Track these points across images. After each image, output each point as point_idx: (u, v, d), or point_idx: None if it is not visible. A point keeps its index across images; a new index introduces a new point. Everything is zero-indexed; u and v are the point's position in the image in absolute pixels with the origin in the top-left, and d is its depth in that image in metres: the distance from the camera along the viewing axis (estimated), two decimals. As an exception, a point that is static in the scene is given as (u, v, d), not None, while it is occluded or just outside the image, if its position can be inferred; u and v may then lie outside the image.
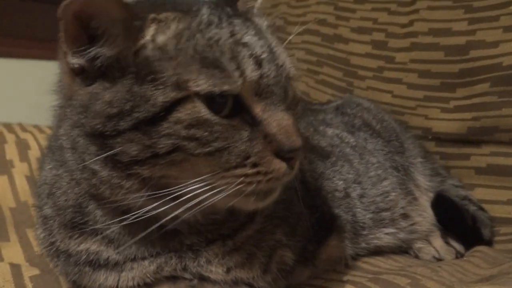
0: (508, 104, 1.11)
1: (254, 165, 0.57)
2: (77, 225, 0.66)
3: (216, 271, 0.67)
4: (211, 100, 0.55)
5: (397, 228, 0.96)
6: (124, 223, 0.61)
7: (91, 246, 0.67)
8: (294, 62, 0.65)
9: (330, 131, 1.03)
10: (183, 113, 0.55)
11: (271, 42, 0.60)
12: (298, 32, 1.85)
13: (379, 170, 0.99)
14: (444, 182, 1.10)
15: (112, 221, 0.63)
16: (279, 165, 0.57)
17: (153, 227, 0.60)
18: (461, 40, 1.25)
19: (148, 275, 0.65)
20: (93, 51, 0.57)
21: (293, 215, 0.77)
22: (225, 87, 0.55)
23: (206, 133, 0.55)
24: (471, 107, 1.19)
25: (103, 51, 0.57)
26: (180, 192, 0.57)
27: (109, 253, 0.66)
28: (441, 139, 1.24)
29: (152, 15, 0.58)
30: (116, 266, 0.66)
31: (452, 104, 1.24)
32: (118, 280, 0.66)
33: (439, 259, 0.95)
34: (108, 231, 0.64)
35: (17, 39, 2.13)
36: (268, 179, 0.57)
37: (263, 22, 0.66)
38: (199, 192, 0.57)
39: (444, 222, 1.00)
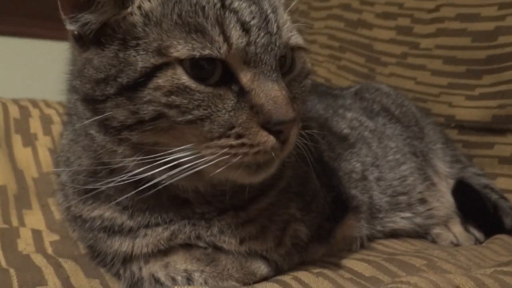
0: (536, 91, 1.08)
1: (239, 136, 0.55)
2: (91, 191, 0.67)
3: (229, 242, 0.67)
4: (196, 67, 0.54)
5: (413, 212, 0.94)
6: (112, 184, 0.61)
7: (105, 212, 0.68)
8: (296, 31, 0.62)
9: (349, 114, 1.02)
10: (162, 79, 0.54)
11: (266, 8, 0.58)
12: (321, 18, 1.83)
13: (397, 155, 0.98)
14: (465, 169, 1.08)
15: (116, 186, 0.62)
16: (266, 138, 0.55)
17: (150, 190, 0.59)
18: (490, 25, 1.22)
19: (162, 242, 0.66)
20: (83, 17, 0.58)
21: (309, 191, 0.77)
22: (206, 51, 0.54)
23: (185, 101, 0.54)
24: (497, 94, 1.16)
25: (92, 17, 0.58)
26: (168, 159, 0.57)
27: (123, 219, 0.67)
28: (465, 127, 1.21)
29: None
30: (130, 232, 0.67)
31: (478, 91, 1.21)
32: (133, 246, 0.67)
33: (457, 245, 0.93)
34: (121, 198, 0.65)
35: (42, 20, 2.17)
36: (255, 151, 0.56)
37: None
38: (185, 160, 0.57)
39: (465, 209, 0.99)
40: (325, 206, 0.80)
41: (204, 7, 0.55)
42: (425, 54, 1.37)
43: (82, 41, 0.60)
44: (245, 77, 0.56)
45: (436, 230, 0.97)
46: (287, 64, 0.62)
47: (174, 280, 0.66)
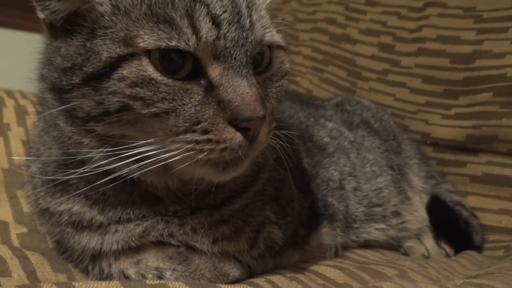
0: (509, 114, 1.12)
1: (205, 131, 0.54)
2: (59, 184, 0.65)
3: (202, 241, 0.66)
4: (165, 59, 0.53)
5: (387, 224, 0.96)
6: (77, 175, 0.60)
7: (73, 206, 0.66)
8: (273, 28, 0.61)
9: (330, 124, 1.03)
10: (127, 70, 0.53)
11: (240, 2, 0.57)
12: (306, 30, 1.86)
13: (374, 167, 0.99)
14: (439, 186, 1.11)
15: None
16: (233, 134, 0.54)
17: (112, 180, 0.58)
18: (468, 49, 1.26)
19: (133, 239, 0.65)
20: (52, 4, 0.57)
21: (285, 195, 0.77)
22: (173, 43, 0.52)
23: (150, 93, 0.53)
24: (472, 115, 1.19)
25: (60, 5, 0.56)
26: (134, 152, 0.55)
27: (92, 214, 0.65)
28: (439, 144, 1.25)
29: None
30: (99, 228, 0.65)
31: (454, 111, 1.24)
32: (102, 242, 0.65)
33: (427, 258, 0.95)
34: (91, 192, 0.63)
35: (21, 11, 2.13)
36: (221, 148, 0.54)
37: None
38: (151, 154, 0.55)
39: (438, 225, 1.01)
40: (301, 212, 0.81)
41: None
42: (405, 72, 1.40)
43: (53, 30, 0.59)
44: (214, 72, 0.55)
45: (408, 243, 0.98)
46: (264, 62, 0.61)
47: (144, 277, 0.64)
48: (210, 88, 0.55)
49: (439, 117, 1.27)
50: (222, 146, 0.54)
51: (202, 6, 0.54)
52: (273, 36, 0.61)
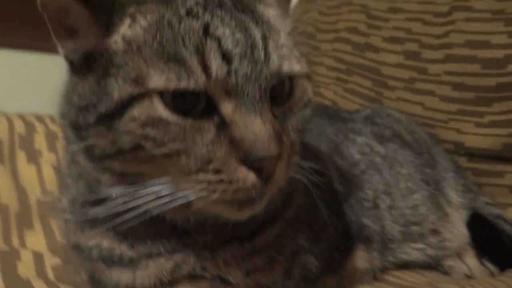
0: (548, 121, 1.07)
1: (217, 171, 0.52)
2: (87, 219, 0.64)
3: (235, 274, 0.64)
4: (178, 98, 0.51)
5: (426, 243, 0.92)
6: (101, 213, 0.58)
7: (102, 241, 0.65)
8: (295, 57, 0.58)
9: (359, 139, 1.01)
10: (137, 110, 0.52)
11: (254, 34, 0.54)
12: (328, 40, 1.84)
13: (409, 182, 0.96)
14: (476, 199, 1.06)
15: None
16: (245, 175, 0.52)
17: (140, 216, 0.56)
18: (500, 53, 1.21)
19: (165, 274, 0.63)
20: (68, 45, 0.57)
21: (318, 221, 0.75)
22: (183, 84, 0.51)
23: (160, 134, 0.51)
24: (508, 122, 1.14)
25: (76, 45, 0.56)
26: (150, 190, 0.54)
27: (122, 249, 0.64)
28: (474, 154, 1.20)
29: (132, 9, 0.55)
30: (130, 263, 0.64)
31: (488, 118, 1.19)
32: (134, 278, 0.64)
33: (470, 278, 0.91)
34: (119, 227, 0.61)
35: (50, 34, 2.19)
36: (234, 189, 0.52)
37: (269, 10, 0.61)
38: (165, 193, 0.54)
39: (480, 242, 0.96)
40: (335, 236, 0.78)
41: (185, 34, 0.52)
42: (434, 79, 1.36)
43: (73, 66, 0.59)
44: (227, 109, 0.53)
45: (449, 262, 0.94)
46: (284, 93, 0.58)
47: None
48: (223, 125, 0.53)
49: (472, 126, 1.22)
50: (235, 186, 0.52)
51: (213, 41, 0.52)
52: (291, 66, 0.57)
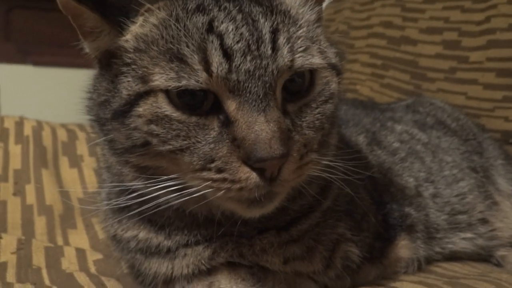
0: None
1: (219, 170, 0.51)
2: (124, 210, 0.66)
3: (272, 261, 0.63)
4: (185, 95, 0.51)
5: (475, 233, 0.87)
6: (131, 202, 0.60)
7: (139, 233, 0.65)
8: (313, 50, 0.54)
9: (399, 127, 0.97)
10: (143, 107, 0.52)
11: (262, 27, 0.52)
12: (362, 36, 1.80)
13: (454, 170, 0.91)
14: (529, 188, 0.99)
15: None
16: (248, 174, 0.50)
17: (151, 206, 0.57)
18: (546, 34, 1.14)
19: (203, 262, 0.63)
20: (92, 43, 0.58)
21: (358, 209, 0.72)
22: (183, 82, 0.50)
23: (164, 130, 0.51)
24: (560, 106, 1.07)
25: (97, 43, 0.58)
26: (165, 184, 0.54)
27: (159, 239, 0.64)
28: (524, 142, 1.13)
29: (146, 7, 0.55)
30: (168, 253, 0.64)
31: (537, 103, 1.12)
32: (172, 267, 0.64)
33: (526, 269, 0.84)
34: (155, 217, 0.63)
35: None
36: (237, 188, 0.50)
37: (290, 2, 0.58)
38: (175, 188, 0.54)
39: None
40: (376, 225, 0.75)
41: (190, 31, 0.51)
42: (476, 67, 1.30)
43: (99, 64, 0.61)
44: (231, 106, 0.51)
45: (501, 252, 0.88)
46: (304, 87, 0.56)
47: (218, 301, 0.62)
48: (227, 123, 0.51)
49: (521, 112, 1.15)
50: (238, 186, 0.51)
51: (216, 37, 0.50)
52: (309, 59, 0.54)
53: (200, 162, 0.52)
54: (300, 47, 0.54)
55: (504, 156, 1.02)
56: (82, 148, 1.30)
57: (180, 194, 0.54)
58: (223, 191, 0.52)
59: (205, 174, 0.52)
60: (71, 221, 0.99)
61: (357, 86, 1.69)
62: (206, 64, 0.50)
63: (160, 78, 0.51)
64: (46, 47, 2.56)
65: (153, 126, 0.52)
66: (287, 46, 0.52)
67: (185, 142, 0.52)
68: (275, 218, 0.63)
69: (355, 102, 1.13)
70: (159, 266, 0.65)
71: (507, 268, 0.85)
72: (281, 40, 0.52)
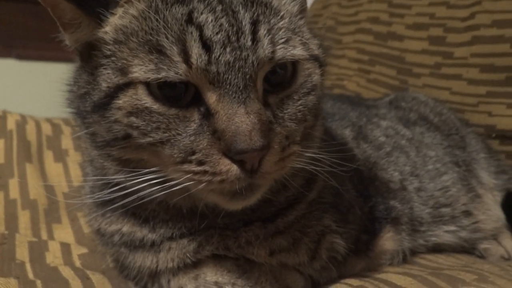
0: None
1: (200, 162, 0.50)
2: (108, 205, 0.65)
3: (258, 253, 0.63)
4: (166, 87, 0.50)
5: (458, 225, 0.88)
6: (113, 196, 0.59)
7: (123, 227, 0.65)
8: (295, 41, 0.54)
9: (384, 123, 0.98)
10: (122, 100, 0.52)
11: (242, 18, 0.51)
12: (350, 32, 1.81)
13: (437, 164, 0.92)
14: (511, 181, 1.01)
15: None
16: (228, 167, 0.50)
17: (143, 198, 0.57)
18: (530, 30, 1.16)
19: (188, 255, 0.63)
20: (71, 35, 0.57)
21: (344, 202, 0.73)
22: (162, 74, 0.49)
23: (144, 123, 0.51)
24: (542, 101, 1.09)
25: (77, 35, 0.57)
26: (146, 177, 0.54)
27: (143, 233, 0.64)
28: (507, 136, 1.14)
29: None
30: (153, 246, 0.64)
31: (520, 99, 1.14)
32: (157, 261, 0.64)
33: (508, 260, 0.86)
34: (139, 210, 0.62)
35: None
36: (218, 180, 0.50)
37: None
38: (156, 181, 0.54)
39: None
40: (362, 217, 0.76)
41: (168, 23, 0.50)
42: (460, 63, 1.31)
43: (80, 56, 0.60)
44: (211, 98, 0.51)
45: (484, 245, 0.90)
46: (286, 78, 0.55)
47: (204, 292, 0.62)
48: (208, 115, 0.51)
49: (504, 107, 1.16)
50: (219, 178, 0.51)
51: (195, 28, 0.50)
52: (291, 50, 0.53)
53: (181, 155, 0.51)
54: (282, 38, 0.53)
55: (486, 150, 1.04)
56: (67, 142, 1.28)
57: (162, 187, 0.54)
58: (204, 184, 0.51)
59: (186, 166, 0.52)
60: (56, 216, 0.98)
61: (344, 82, 1.70)
62: (186, 56, 0.50)
63: (139, 70, 0.51)
64: (30, 40, 2.51)
65: (133, 119, 0.52)
66: (268, 37, 0.52)
67: (166, 134, 0.51)
68: (260, 210, 0.63)
69: (342, 97, 1.13)
70: (143, 260, 0.65)
71: (490, 260, 0.87)
72: (262, 31, 0.52)
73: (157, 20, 0.51)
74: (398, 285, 0.66)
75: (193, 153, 0.51)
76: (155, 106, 0.51)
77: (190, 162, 0.51)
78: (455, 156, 0.96)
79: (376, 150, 0.88)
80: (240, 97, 0.50)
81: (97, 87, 0.54)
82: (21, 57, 2.61)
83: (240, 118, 0.49)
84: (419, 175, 0.89)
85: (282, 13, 0.55)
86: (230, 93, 0.50)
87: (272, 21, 0.53)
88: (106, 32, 0.55)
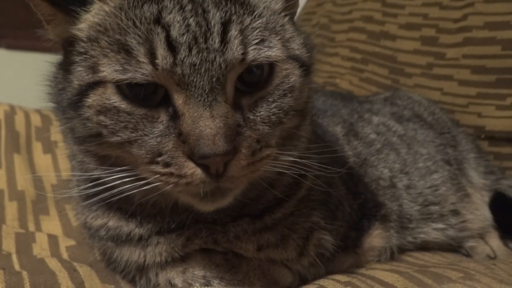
0: None
1: (166, 164, 0.50)
2: (94, 198, 0.64)
3: (246, 248, 0.63)
4: (134, 88, 0.50)
5: (446, 224, 0.89)
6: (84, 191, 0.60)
7: (108, 221, 0.65)
8: (270, 42, 0.52)
9: (376, 119, 0.98)
10: (92, 98, 0.52)
11: (211, 19, 0.49)
12: (343, 30, 1.81)
13: (428, 162, 0.93)
14: (499, 182, 1.02)
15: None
16: (193, 170, 0.49)
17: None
18: (521, 33, 1.17)
19: (177, 249, 0.62)
20: (51, 31, 0.57)
21: (333, 199, 0.73)
22: (127, 75, 0.49)
23: (112, 122, 0.51)
24: (531, 103, 1.10)
25: (55, 31, 0.57)
26: (119, 175, 0.54)
27: (130, 227, 0.63)
28: (496, 138, 1.16)
29: None
30: (140, 241, 0.63)
31: (509, 101, 1.15)
32: (145, 256, 0.63)
33: (493, 259, 0.87)
34: (126, 204, 0.62)
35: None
36: (184, 182, 0.50)
37: None
38: (128, 179, 0.54)
39: (503, 223, 0.92)
40: (351, 214, 0.76)
41: (137, 22, 0.49)
42: (452, 64, 1.32)
43: (61, 52, 0.59)
44: (178, 100, 0.50)
45: (471, 243, 0.91)
46: (262, 79, 0.53)
47: (191, 286, 0.62)
48: (175, 117, 0.50)
49: (493, 109, 1.18)
50: (184, 181, 0.50)
51: (162, 29, 0.49)
52: (262, 51, 0.51)
53: (148, 156, 0.51)
54: (256, 38, 0.51)
55: (476, 150, 1.05)
56: (56, 133, 1.26)
57: (135, 185, 0.54)
58: (171, 185, 0.51)
59: (153, 167, 0.51)
60: (44, 207, 0.97)
61: (336, 80, 1.70)
62: (152, 57, 0.49)
63: (107, 70, 0.50)
64: (20, 30, 2.48)
65: (102, 117, 0.52)
66: (239, 38, 0.50)
67: (133, 134, 0.51)
68: (247, 207, 0.63)
69: (334, 93, 1.14)
70: (130, 254, 0.64)
71: (476, 258, 0.88)
72: (233, 32, 0.50)
73: (127, 18, 0.50)
74: (385, 282, 0.66)
75: (160, 154, 0.51)
76: (124, 106, 0.51)
77: (157, 163, 0.51)
78: (446, 155, 0.97)
79: (367, 147, 0.89)
80: (206, 100, 0.49)
81: (70, 84, 0.54)
82: (10, 47, 2.58)
83: (204, 122, 0.48)
84: (409, 173, 0.90)
85: (259, 12, 0.53)
86: (196, 95, 0.49)
87: (246, 20, 0.51)
88: (80, 29, 0.54)
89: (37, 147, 1.20)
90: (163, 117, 0.51)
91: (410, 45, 1.47)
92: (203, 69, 0.49)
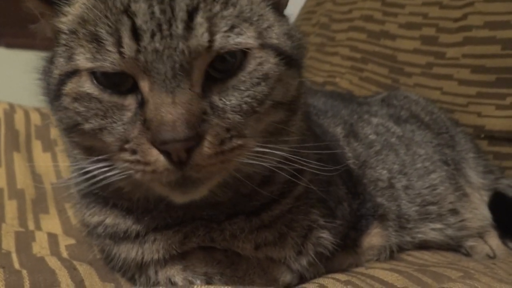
0: None
1: (133, 151, 0.51)
2: (91, 195, 0.66)
3: (243, 247, 0.63)
4: (107, 76, 0.52)
5: (444, 223, 0.89)
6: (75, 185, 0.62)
7: (105, 218, 0.65)
8: (241, 28, 0.52)
9: (375, 120, 0.98)
10: (69, 86, 0.54)
11: (177, 5, 0.50)
12: (343, 30, 1.81)
13: (426, 162, 0.93)
14: (499, 181, 1.02)
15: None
16: (156, 157, 0.50)
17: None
18: (521, 33, 1.17)
19: (174, 246, 0.62)
20: (43, 25, 0.59)
21: (333, 197, 0.73)
22: (98, 64, 0.50)
23: (84, 109, 0.53)
24: (531, 103, 1.10)
25: (47, 25, 0.58)
26: (95, 165, 0.56)
27: (127, 224, 0.63)
28: (495, 137, 1.16)
29: None
30: (137, 238, 0.63)
31: (509, 100, 1.15)
32: (143, 253, 0.63)
33: (492, 258, 0.87)
34: (122, 201, 0.62)
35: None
36: (150, 170, 0.50)
37: None
38: (103, 169, 0.55)
39: (502, 223, 0.92)
40: (351, 213, 0.76)
41: (108, 13, 0.51)
42: (452, 63, 1.33)
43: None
44: (144, 87, 0.51)
45: (470, 243, 0.91)
46: (235, 66, 0.53)
47: (192, 283, 0.62)
48: (142, 104, 0.51)
49: (493, 108, 1.18)
50: (149, 168, 0.51)
51: (128, 18, 0.50)
52: (231, 39, 0.51)
53: (116, 143, 0.53)
54: (225, 26, 0.51)
55: (475, 150, 1.05)
56: (55, 132, 1.26)
57: (111, 174, 0.55)
58: (140, 173, 0.52)
59: (123, 155, 0.53)
60: (43, 206, 0.97)
61: (336, 79, 1.70)
62: (119, 46, 0.50)
63: (81, 58, 0.52)
64: (19, 29, 2.48)
65: (76, 104, 0.54)
66: (205, 26, 0.50)
67: (103, 121, 0.53)
68: (241, 204, 0.63)
69: (334, 94, 1.14)
70: (128, 252, 0.64)
71: (475, 257, 0.88)
72: (199, 19, 0.50)
73: (100, 9, 0.52)
74: (385, 281, 0.66)
75: (127, 141, 0.52)
76: (96, 93, 0.53)
77: (126, 150, 0.52)
78: (444, 155, 0.97)
79: (366, 148, 0.89)
80: (169, 86, 0.49)
81: (53, 75, 0.56)
82: (10, 45, 2.58)
83: (166, 108, 0.48)
84: (408, 173, 0.90)
85: (233, 1, 0.53)
86: (159, 82, 0.50)
87: (215, 8, 0.51)
88: (63, 22, 0.56)
89: (37, 145, 1.20)
90: (132, 104, 0.52)
91: (410, 45, 1.47)
92: (165, 55, 0.49)
